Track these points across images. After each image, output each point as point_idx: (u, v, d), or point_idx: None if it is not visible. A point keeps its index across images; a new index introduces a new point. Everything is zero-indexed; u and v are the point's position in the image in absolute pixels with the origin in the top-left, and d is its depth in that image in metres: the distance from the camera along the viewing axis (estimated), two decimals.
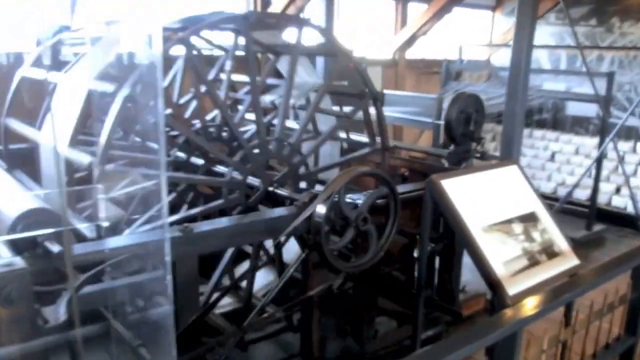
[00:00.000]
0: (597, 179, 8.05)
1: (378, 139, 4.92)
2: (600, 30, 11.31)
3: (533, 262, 3.65)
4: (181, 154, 4.54)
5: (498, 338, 2.81)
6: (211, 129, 4.71)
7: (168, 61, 5.19)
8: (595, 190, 8.13)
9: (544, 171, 10.11)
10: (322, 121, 5.51)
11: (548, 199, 8.16)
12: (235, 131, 4.16)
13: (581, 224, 8.22)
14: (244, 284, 4.76)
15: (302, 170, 4.58)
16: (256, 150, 4.27)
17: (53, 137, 3.59)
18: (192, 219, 4.68)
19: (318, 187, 5.35)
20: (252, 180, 4.25)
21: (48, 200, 3.43)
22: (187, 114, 5.29)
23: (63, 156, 3.40)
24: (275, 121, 4.76)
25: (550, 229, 3.95)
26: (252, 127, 5.22)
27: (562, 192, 9.04)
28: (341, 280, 4.53)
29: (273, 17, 4.51)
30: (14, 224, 2.75)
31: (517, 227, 3.78)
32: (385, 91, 7.33)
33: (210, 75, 5.08)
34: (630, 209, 8.69)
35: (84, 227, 2.95)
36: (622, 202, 9.05)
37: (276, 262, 4.70)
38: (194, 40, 4.07)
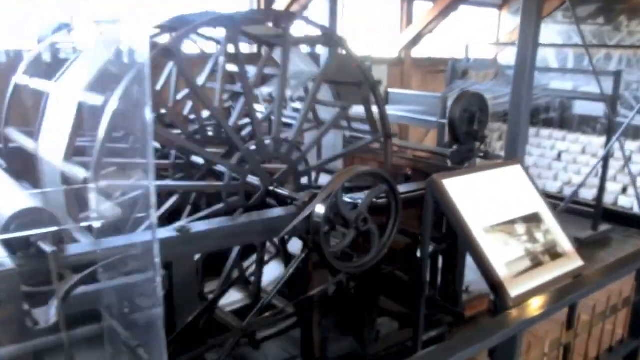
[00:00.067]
0: (603, 179, 7.98)
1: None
2: (607, 28, 11.23)
3: (536, 263, 3.60)
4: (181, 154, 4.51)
5: (498, 341, 2.75)
6: (209, 128, 4.67)
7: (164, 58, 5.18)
8: (601, 189, 8.06)
9: (551, 170, 10.04)
10: (324, 109, 5.45)
11: (554, 199, 8.14)
12: (231, 134, 4.11)
13: (587, 224, 8.15)
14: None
15: (303, 166, 4.53)
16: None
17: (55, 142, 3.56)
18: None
19: (325, 177, 5.35)
20: (252, 179, 4.21)
21: (49, 203, 3.42)
22: (186, 111, 5.27)
23: (59, 170, 3.38)
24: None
25: (554, 230, 3.89)
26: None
27: (568, 191, 8.98)
28: (341, 280, 4.48)
29: (261, 14, 4.44)
30: (7, 224, 2.71)
31: (520, 228, 3.73)
32: (390, 90, 7.33)
33: (205, 73, 5.03)
34: (636, 209, 8.62)
35: (78, 228, 2.91)
36: (628, 202, 8.98)
37: (281, 255, 4.65)
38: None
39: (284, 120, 5.29)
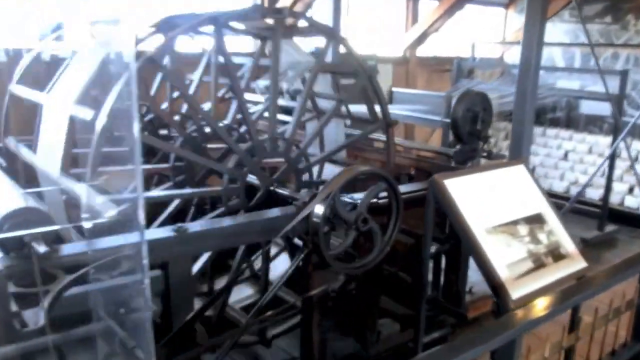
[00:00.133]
0: (609, 179, 7.93)
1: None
2: (615, 27, 11.15)
3: (538, 265, 3.54)
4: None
5: (499, 344, 2.70)
6: (206, 128, 4.63)
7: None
8: (607, 190, 8.01)
9: (557, 170, 9.97)
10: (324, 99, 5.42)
11: (560, 198, 8.07)
12: (225, 138, 4.07)
13: (593, 224, 8.10)
14: None
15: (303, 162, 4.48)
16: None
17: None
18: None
19: (330, 167, 5.32)
20: (252, 179, 4.17)
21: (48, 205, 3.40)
22: (184, 109, 5.23)
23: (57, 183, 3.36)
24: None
25: (557, 231, 3.83)
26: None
27: (574, 191, 8.90)
28: (342, 281, 4.44)
29: (253, 11, 4.37)
30: (1, 224, 2.68)
31: (523, 229, 3.67)
32: (394, 89, 7.29)
33: (199, 71, 5.00)
34: None
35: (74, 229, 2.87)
36: (635, 203, 8.90)
37: (287, 248, 4.61)
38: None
39: (285, 104, 5.25)
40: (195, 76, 5.05)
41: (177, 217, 4.41)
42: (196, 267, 4.24)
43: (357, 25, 10.47)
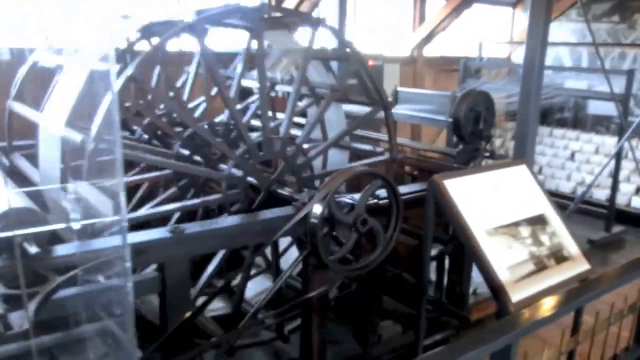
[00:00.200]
0: (615, 179, 7.86)
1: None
2: (622, 27, 11.06)
3: (540, 267, 3.48)
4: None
5: (497, 347, 2.65)
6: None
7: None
8: (613, 190, 7.93)
9: (564, 170, 9.90)
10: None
11: (567, 199, 8.00)
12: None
13: (600, 225, 8.03)
14: None
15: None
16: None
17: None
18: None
19: (337, 153, 5.27)
20: (253, 179, 4.14)
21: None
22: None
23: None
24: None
25: (560, 232, 3.77)
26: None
27: (581, 192, 8.82)
28: (342, 283, 4.40)
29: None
30: None
31: (524, 230, 3.62)
32: (400, 89, 7.21)
33: (192, 71, 5.00)
34: None
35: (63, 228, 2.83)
36: None
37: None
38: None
39: (285, 89, 5.20)
40: (191, 70, 5.07)
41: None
42: (211, 266, 4.22)
43: (364, 25, 10.42)
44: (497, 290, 3.19)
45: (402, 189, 4.43)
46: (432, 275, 4.85)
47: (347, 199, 3.65)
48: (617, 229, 8.06)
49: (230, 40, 5.21)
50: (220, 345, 3.56)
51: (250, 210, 4.07)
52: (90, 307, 2.46)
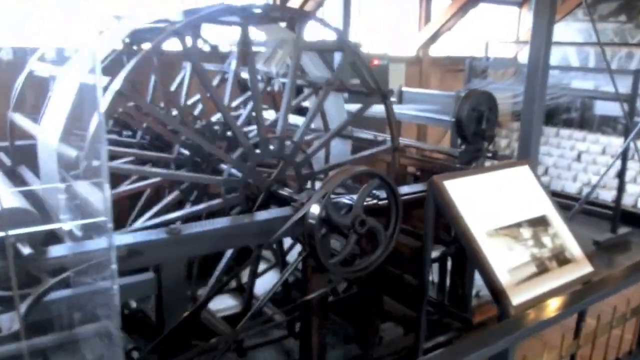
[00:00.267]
0: (621, 180, 7.78)
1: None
2: (629, 26, 10.99)
3: (542, 270, 3.43)
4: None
5: (496, 350, 2.60)
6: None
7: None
8: (619, 191, 7.85)
9: (570, 171, 9.84)
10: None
11: (573, 200, 7.94)
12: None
13: (606, 227, 7.96)
14: None
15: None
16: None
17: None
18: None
19: (339, 144, 5.22)
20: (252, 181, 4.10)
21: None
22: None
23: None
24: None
25: (562, 234, 3.72)
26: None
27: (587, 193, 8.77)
28: (341, 284, 4.37)
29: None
30: None
31: (526, 232, 3.56)
32: (404, 89, 7.17)
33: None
34: None
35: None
36: None
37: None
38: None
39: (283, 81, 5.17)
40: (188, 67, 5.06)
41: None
42: (222, 264, 4.19)
43: (369, 25, 10.38)
44: (497, 293, 3.14)
45: (404, 190, 4.39)
46: (435, 277, 4.82)
47: (346, 199, 3.61)
48: (623, 230, 7.99)
49: (230, 33, 5.17)
50: (218, 346, 3.52)
51: (251, 212, 4.04)
52: (80, 310, 2.42)
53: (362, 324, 4.51)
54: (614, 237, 7.81)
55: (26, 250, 2.62)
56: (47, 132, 3.57)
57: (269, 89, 5.20)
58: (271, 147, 4.12)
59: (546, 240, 3.61)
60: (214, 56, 5.68)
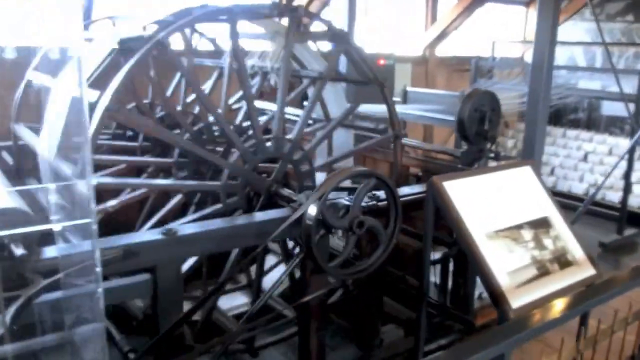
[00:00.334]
0: (627, 181, 7.70)
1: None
2: (637, 26, 10.89)
3: (543, 272, 3.39)
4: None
5: (489, 356, 2.55)
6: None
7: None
8: (626, 192, 7.77)
9: (576, 172, 9.75)
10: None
11: (579, 201, 7.87)
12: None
13: (612, 228, 7.87)
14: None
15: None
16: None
17: None
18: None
19: (341, 132, 5.21)
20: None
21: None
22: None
23: None
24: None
25: (565, 236, 3.67)
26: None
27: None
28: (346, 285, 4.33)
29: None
30: None
31: (527, 234, 3.52)
32: (409, 88, 7.12)
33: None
34: None
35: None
36: None
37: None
38: None
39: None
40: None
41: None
42: (229, 264, 4.16)
43: (375, 25, 10.33)
44: (496, 296, 3.10)
45: (405, 190, 4.37)
46: (437, 279, 4.78)
47: (345, 200, 3.57)
48: (629, 231, 7.89)
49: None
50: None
51: (250, 210, 4.02)
52: (70, 312, 2.39)
53: (362, 326, 4.48)
54: (620, 238, 7.72)
55: (19, 251, 2.60)
56: (45, 147, 3.57)
57: (265, 83, 5.17)
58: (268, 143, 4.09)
59: (547, 242, 3.57)
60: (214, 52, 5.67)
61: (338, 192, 3.65)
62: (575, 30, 11.44)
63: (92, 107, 3.39)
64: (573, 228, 3.78)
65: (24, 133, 4.53)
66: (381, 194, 3.77)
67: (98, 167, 4.51)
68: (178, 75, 5.49)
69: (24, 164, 4.78)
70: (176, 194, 4.51)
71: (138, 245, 3.11)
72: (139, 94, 5.01)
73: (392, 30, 10.78)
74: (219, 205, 4.01)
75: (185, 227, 3.35)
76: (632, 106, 7.47)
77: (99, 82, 3.77)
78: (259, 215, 3.64)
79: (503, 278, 3.17)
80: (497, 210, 3.52)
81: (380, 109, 4.79)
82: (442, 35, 10.79)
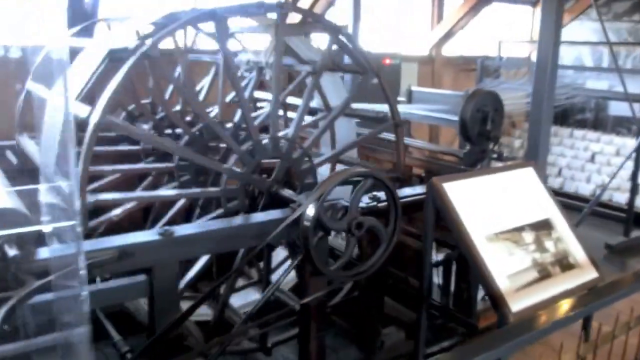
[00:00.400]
0: (634, 182, 7.63)
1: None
2: None
3: (544, 275, 3.34)
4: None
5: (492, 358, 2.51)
6: (228, 126, 4.54)
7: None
8: (633, 193, 7.70)
9: (584, 173, 9.68)
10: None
11: (586, 202, 7.80)
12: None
13: (619, 230, 7.81)
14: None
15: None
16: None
17: None
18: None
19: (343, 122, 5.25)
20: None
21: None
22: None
23: None
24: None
25: (567, 238, 3.62)
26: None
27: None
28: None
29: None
30: None
31: (528, 236, 3.47)
32: (413, 88, 7.09)
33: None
34: None
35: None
36: None
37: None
38: None
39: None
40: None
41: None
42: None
43: (381, 24, 10.30)
44: (496, 299, 3.06)
45: (407, 191, 4.33)
46: (441, 280, 4.74)
47: (344, 201, 3.54)
48: (636, 233, 7.83)
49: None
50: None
51: (250, 211, 3.99)
52: (59, 314, 2.36)
53: (363, 328, 4.44)
54: (627, 240, 7.65)
55: (12, 251, 2.58)
56: (44, 160, 3.57)
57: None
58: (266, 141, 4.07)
59: (549, 244, 3.52)
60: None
61: (344, 186, 3.62)
62: (582, 29, 11.37)
63: (84, 122, 3.40)
64: (576, 230, 3.73)
65: (27, 144, 4.55)
66: (382, 194, 3.73)
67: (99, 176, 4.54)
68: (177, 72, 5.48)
69: (27, 164, 4.77)
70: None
71: (134, 246, 3.08)
72: (139, 93, 4.99)
73: (398, 29, 10.74)
74: (220, 211, 4.01)
75: (182, 227, 3.32)
76: (637, 106, 7.40)
77: (94, 91, 3.77)
78: (258, 216, 3.61)
79: (503, 281, 3.13)
80: (498, 212, 3.48)
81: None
82: (449, 35, 10.75)
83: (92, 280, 3.34)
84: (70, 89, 3.28)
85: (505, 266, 3.21)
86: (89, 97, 3.80)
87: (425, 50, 10.84)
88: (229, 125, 4.55)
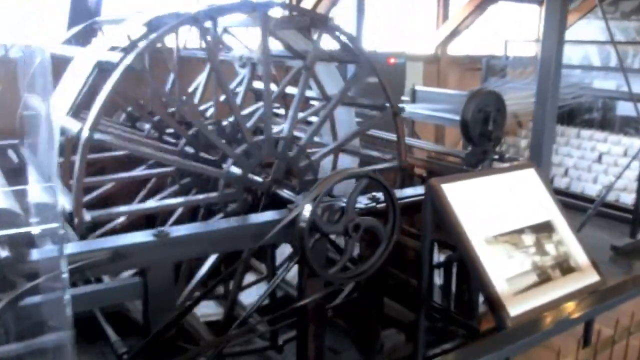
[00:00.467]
0: None
1: None
2: None
3: (544, 279, 3.28)
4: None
5: None
6: (225, 124, 4.51)
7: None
8: (639, 194, 7.61)
9: (590, 173, 9.60)
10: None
11: (593, 203, 7.73)
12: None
13: (625, 231, 7.72)
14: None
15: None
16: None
17: None
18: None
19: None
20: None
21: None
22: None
23: None
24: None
25: (568, 241, 3.56)
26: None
27: (608, 195, 8.53)
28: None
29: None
30: None
31: (528, 239, 3.42)
32: (417, 87, 7.04)
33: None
34: None
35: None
36: None
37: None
38: None
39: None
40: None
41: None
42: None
43: (385, 23, 10.25)
44: (494, 303, 3.01)
45: (407, 192, 4.29)
46: (439, 281, 4.70)
47: (342, 202, 3.50)
48: None
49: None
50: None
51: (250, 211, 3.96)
52: (48, 317, 2.33)
53: (362, 330, 4.41)
54: (634, 242, 7.56)
55: (3, 253, 2.55)
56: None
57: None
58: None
59: (550, 247, 3.46)
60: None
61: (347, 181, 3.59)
62: (589, 28, 11.29)
63: (76, 138, 3.41)
64: (577, 233, 3.68)
65: (28, 154, 4.50)
66: (382, 195, 3.70)
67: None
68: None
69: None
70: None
71: (128, 247, 3.05)
72: (139, 92, 4.97)
73: (403, 28, 10.69)
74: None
75: (177, 228, 3.29)
76: None
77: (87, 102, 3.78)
78: (255, 217, 3.58)
79: (501, 284, 3.08)
80: (498, 214, 3.43)
81: None
82: (454, 34, 10.70)
83: (87, 281, 3.33)
84: (59, 100, 3.29)
85: (504, 269, 3.17)
86: (84, 104, 3.81)
87: (431, 49, 10.79)
88: (226, 123, 4.53)
